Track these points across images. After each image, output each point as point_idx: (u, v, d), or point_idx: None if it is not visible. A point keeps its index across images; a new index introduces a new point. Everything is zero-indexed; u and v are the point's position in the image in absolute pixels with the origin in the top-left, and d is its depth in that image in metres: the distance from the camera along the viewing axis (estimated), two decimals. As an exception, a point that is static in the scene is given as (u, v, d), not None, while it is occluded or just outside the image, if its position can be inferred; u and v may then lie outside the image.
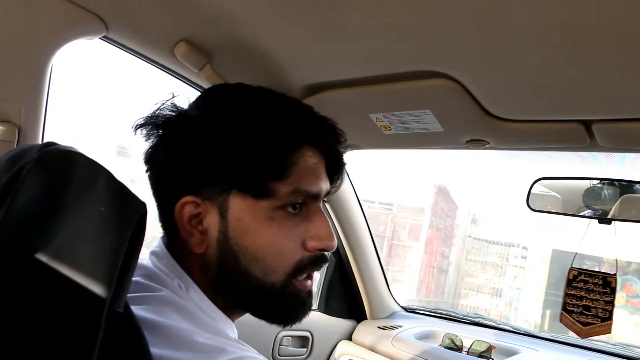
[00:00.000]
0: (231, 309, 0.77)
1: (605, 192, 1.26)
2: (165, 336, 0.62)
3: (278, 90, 0.88)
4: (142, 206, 0.59)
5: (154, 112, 0.77)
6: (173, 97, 0.79)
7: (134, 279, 0.70)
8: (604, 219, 1.18)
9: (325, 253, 0.76)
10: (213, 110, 0.75)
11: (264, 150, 0.71)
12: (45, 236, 0.48)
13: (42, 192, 0.51)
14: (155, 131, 0.76)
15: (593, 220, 1.22)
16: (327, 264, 0.81)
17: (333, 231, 0.77)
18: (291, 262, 0.73)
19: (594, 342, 1.68)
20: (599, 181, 1.28)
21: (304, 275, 0.75)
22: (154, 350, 0.60)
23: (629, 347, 1.67)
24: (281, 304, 0.75)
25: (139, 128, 0.77)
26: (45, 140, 0.97)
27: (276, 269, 0.72)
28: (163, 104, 0.78)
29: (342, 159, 0.81)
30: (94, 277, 0.50)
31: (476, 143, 1.18)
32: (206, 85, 1.15)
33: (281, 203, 0.71)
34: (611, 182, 1.29)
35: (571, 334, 1.29)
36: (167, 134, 0.76)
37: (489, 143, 1.17)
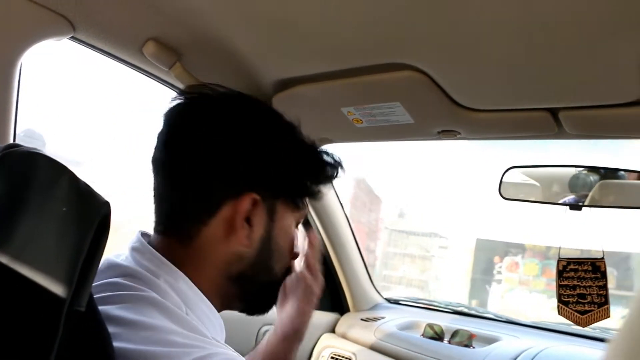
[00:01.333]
0: (232, 301, 0.83)
1: (587, 179, 1.27)
2: (143, 333, 0.63)
3: (248, 87, 0.94)
4: (105, 205, 0.59)
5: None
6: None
7: (113, 279, 0.72)
8: (575, 206, 1.20)
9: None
10: (275, 121, 0.84)
11: (315, 172, 0.86)
12: (4, 235, 0.49)
13: (3, 192, 0.51)
14: (180, 112, 0.80)
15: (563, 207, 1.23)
16: None
17: (314, 226, 0.92)
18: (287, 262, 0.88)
19: (573, 327, 1.69)
20: (583, 168, 1.29)
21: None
22: (130, 346, 0.61)
23: (607, 330, 1.70)
24: (274, 295, 0.90)
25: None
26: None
27: (285, 267, 0.87)
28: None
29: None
30: (53, 276, 0.50)
31: (447, 133, 1.19)
32: (177, 84, 1.15)
33: (301, 216, 0.87)
34: (593, 168, 1.30)
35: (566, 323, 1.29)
36: (222, 126, 0.77)
37: (459, 133, 1.18)
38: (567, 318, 1.19)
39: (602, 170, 1.29)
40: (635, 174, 1.27)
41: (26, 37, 0.92)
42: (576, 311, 1.17)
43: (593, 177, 1.28)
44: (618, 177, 1.30)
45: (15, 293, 0.47)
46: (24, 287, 0.48)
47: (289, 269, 0.89)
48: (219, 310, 0.81)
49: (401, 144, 1.25)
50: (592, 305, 1.16)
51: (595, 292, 1.16)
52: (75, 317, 0.52)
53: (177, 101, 0.80)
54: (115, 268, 0.74)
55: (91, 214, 0.57)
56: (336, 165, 0.88)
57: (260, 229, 0.79)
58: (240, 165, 0.76)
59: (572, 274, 1.19)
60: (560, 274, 1.19)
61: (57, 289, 0.49)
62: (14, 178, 0.53)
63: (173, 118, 0.79)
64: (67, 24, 0.94)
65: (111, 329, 0.63)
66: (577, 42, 0.80)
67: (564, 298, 1.18)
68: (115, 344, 0.61)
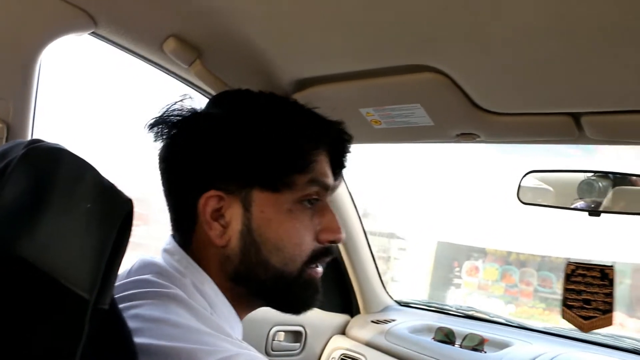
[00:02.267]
0: (247, 302, 0.81)
1: (599, 184, 1.26)
2: (168, 330, 0.65)
3: (267, 85, 0.93)
4: (128, 203, 0.59)
5: (166, 113, 0.81)
6: (182, 99, 0.83)
7: (144, 276, 0.75)
8: (594, 212, 1.19)
9: (333, 245, 0.83)
10: (235, 111, 0.81)
11: (286, 148, 0.77)
12: (29, 233, 0.48)
13: (27, 188, 0.51)
14: (168, 131, 0.81)
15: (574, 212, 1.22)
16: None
17: None
18: (307, 251, 0.79)
19: (583, 333, 1.68)
20: (592, 174, 1.29)
21: (315, 265, 0.81)
22: (154, 342, 0.62)
23: (620, 338, 1.68)
24: (299, 292, 0.80)
25: (152, 127, 0.81)
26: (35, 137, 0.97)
27: (295, 259, 0.78)
28: (173, 104, 0.82)
29: (346, 160, 0.88)
30: (78, 274, 0.50)
31: (466, 137, 1.18)
32: (195, 81, 1.15)
33: (300, 195, 0.78)
34: (604, 174, 1.29)
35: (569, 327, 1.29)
36: (185, 132, 0.80)
37: (479, 136, 1.17)
38: (570, 322, 1.19)
39: (611, 176, 1.28)
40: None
41: (47, 32, 0.92)
42: (580, 316, 1.17)
43: (604, 183, 1.27)
44: (630, 183, 1.29)
45: (41, 291, 0.47)
46: (49, 285, 0.47)
47: (314, 257, 0.80)
48: (245, 313, 0.82)
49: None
50: (597, 312, 1.15)
51: (601, 299, 1.15)
52: (99, 315, 0.52)
53: (169, 120, 0.82)
54: (148, 266, 0.77)
55: (115, 211, 0.57)
56: (321, 136, 0.82)
57: (238, 224, 0.76)
58: (199, 167, 0.78)
59: (579, 278, 1.18)
60: (567, 277, 1.18)
61: (82, 287, 0.49)
62: (38, 174, 0.53)
63: (160, 135, 0.82)
64: (89, 18, 0.94)
65: (137, 324, 0.64)
66: (601, 46, 0.79)
67: (569, 302, 1.17)
68: (140, 340, 0.62)
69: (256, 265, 0.77)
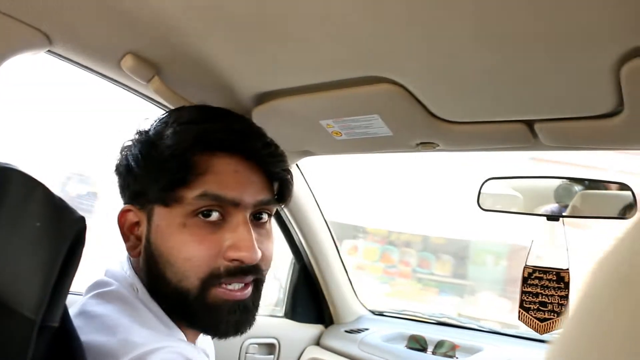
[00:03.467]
0: (178, 321, 0.78)
1: (572, 189, 1.29)
2: (107, 326, 0.68)
3: (227, 100, 0.95)
4: (80, 220, 0.59)
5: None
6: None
7: (100, 278, 0.81)
8: (552, 217, 1.21)
9: (245, 265, 0.76)
10: (144, 130, 0.86)
11: (166, 160, 0.75)
12: None
13: None
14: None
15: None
16: (255, 276, 0.80)
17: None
18: (204, 268, 0.74)
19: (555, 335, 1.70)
20: (565, 180, 1.31)
21: (224, 284, 0.76)
22: (90, 337, 0.66)
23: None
24: (206, 313, 0.76)
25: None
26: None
27: (188, 274, 0.74)
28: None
29: (277, 166, 0.83)
30: (25, 291, 0.50)
31: (426, 145, 1.20)
32: (155, 97, 1.15)
33: (192, 209, 0.75)
34: (570, 180, 1.32)
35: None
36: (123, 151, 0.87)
37: (438, 145, 1.19)
38: (526, 324, 1.21)
39: (586, 182, 1.31)
40: (616, 185, 1.29)
41: (1, 51, 0.92)
42: (536, 318, 1.19)
43: (574, 188, 1.30)
44: (598, 188, 1.32)
45: (-14, 309, 0.47)
46: (-6, 303, 0.47)
47: (215, 278, 0.75)
48: (188, 333, 0.80)
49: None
50: (552, 314, 1.17)
51: (556, 302, 1.17)
52: (49, 333, 0.52)
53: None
54: (106, 270, 0.84)
55: (65, 229, 0.57)
56: (201, 140, 0.77)
57: (143, 238, 0.80)
58: (121, 183, 0.85)
59: (536, 281, 1.20)
60: (525, 280, 1.20)
61: (27, 306, 0.49)
62: (-14, 193, 0.53)
63: None
64: (44, 37, 0.94)
65: (77, 322, 0.66)
66: (551, 55, 0.81)
67: (526, 304, 1.20)
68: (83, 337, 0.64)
69: (157, 278, 0.77)
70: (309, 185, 1.74)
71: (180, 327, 0.78)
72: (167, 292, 0.76)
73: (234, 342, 1.71)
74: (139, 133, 0.85)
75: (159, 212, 0.77)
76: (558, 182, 1.32)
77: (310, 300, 1.98)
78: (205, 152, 0.76)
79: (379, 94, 1.02)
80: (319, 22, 0.84)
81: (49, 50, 0.98)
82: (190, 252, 0.74)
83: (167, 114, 0.89)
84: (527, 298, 1.19)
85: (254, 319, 0.81)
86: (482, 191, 1.29)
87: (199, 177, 0.74)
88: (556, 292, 1.17)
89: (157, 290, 0.78)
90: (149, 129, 0.85)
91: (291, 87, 1.08)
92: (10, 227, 0.52)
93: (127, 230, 0.81)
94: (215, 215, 0.76)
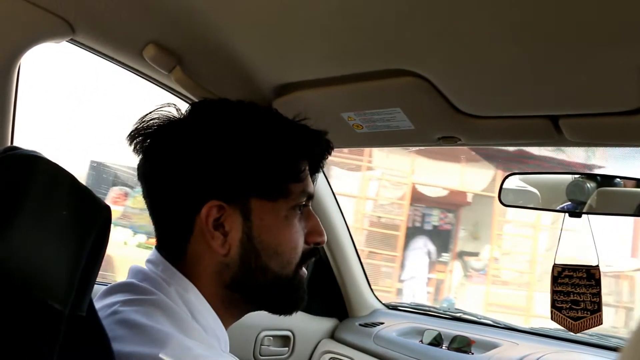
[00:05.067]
0: (239, 308, 0.84)
1: (587, 186, 1.28)
2: (152, 338, 0.67)
3: (248, 91, 0.95)
4: (106, 210, 0.59)
5: (142, 123, 0.83)
6: (158, 108, 0.84)
7: (129, 280, 0.79)
8: (575, 213, 1.20)
9: (317, 247, 0.89)
10: (226, 122, 0.82)
11: (283, 159, 0.82)
12: (2, 239, 0.48)
13: (2, 195, 0.51)
14: (144, 141, 0.82)
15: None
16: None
17: None
18: (300, 254, 0.84)
19: (572, 334, 1.69)
20: (579, 176, 1.30)
21: (304, 266, 0.87)
22: (136, 348, 0.65)
23: (606, 337, 1.70)
24: (293, 292, 0.85)
25: (131, 140, 0.83)
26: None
27: (291, 261, 0.83)
28: (149, 114, 0.83)
29: (323, 167, 0.94)
30: (54, 280, 0.50)
31: (448, 140, 1.19)
32: (176, 87, 1.15)
33: (294, 203, 0.82)
34: (588, 176, 1.31)
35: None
36: (169, 143, 0.81)
37: (460, 140, 1.18)
38: (559, 324, 1.20)
39: (598, 178, 1.30)
40: (633, 182, 1.28)
41: (24, 39, 0.92)
42: (569, 317, 1.18)
43: (591, 185, 1.28)
44: (615, 185, 1.31)
45: (15, 298, 0.47)
46: (23, 292, 0.47)
47: (305, 259, 0.85)
48: (233, 320, 0.84)
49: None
50: (585, 312, 1.16)
51: (588, 299, 1.16)
52: (76, 322, 0.52)
53: (146, 127, 0.83)
54: (136, 273, 0.81)
55: (92, 218, 0.57)
56: (312, 148, 0.87)
57: (238, 233, 0.79)
58: (196, 178, 0.79)
59: (566, 280, 1.19)
60: (554, 279, 1.19)
61: (55, 297, 0.49)
62: (13, 181, 0.53)
63: (143, 146, 0.83)
64: (67, 26, 0.94)
65: (123, 331, 0.67)
66: (577, 50, 0.80)
67: (558, 304, 1.19)
68: (119, 346, 0.63)
69: (255, 270, 0.80)
70: (327, 178, 1.74)
71: (229, 315, 0.83)
72: (264, 282, 0.81)
73: (249, 333, 1.72)
74: (209, 128, 0.81)
75: (261, 205, 0.80)
76: (578, 178, 1.30)
77: (326, 293, 1.98)
78: (302, 154, 0.85)
79: (401, 87, 1.01)
80: (341, 13, 0.83)
81: (71, 39, 0.98)
82: (295, 242, 0.83)
83: (226, 108, 0.86)
84: (559, 297, 1.18)
85: None
86: (503, 187, 1.28)
87: (301, 174, 0.83)
88: (587, 290, 1.15)
89: (246, 282, 0.80)
90: (230, 125, 0.82)
91: (312, 79, 1.08)
92: (37, 216, 0.52)
93: (212, 226, 0.78)
94: (304, 208, 0.86)
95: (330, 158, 0.94)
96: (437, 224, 8.10)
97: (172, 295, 0.76)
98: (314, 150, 0.88)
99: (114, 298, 0.75)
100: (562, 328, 1.23)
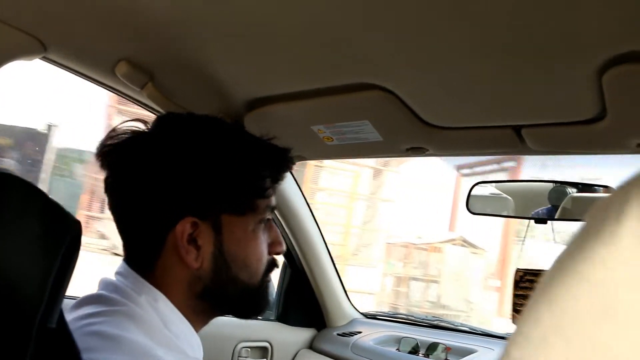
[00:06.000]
0: (207, 314, 0.87)
1: (566, 192, 1.31)
2: (125, 348, 0.68)
3: (220, 106, 0.97)
4: (76, 224, 0.61)
5: (111, 139, 0.82)
6: (125, 122, 0.84)
7: (100, 292, 0.80)
8: (540, 220, 1.23)
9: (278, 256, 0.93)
10: (192, 138, 0.83)
11: (251, 176, 0.85)
12: None
13: None
14: (112, 156, 0.82)
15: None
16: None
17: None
18: (265, 264, 0.88)
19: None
20: (555, 184, 1.33)
21: (270, 274, 0.91)
22: (108, 356, 0.67)
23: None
24: (260, 299, 0.89)
25: (99, 154, 0.83)
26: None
27: (257, 272, 0.87)
28: (117, 128, 0.83)
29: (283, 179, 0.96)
30: (23, 293, 0.51)
31: (416, 150, 1.22)
32: (149, 103, 1.16)
33: (260, 217, 0.86)
34: (558, 184, 1.34)
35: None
36: (137, 159, 0.81)
37: (428, 150, 1.21)
38: None
39: (579, 186, 1.33)
40: (605, 189, 1.31)
41: (-3, 58, 0.93)
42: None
43: (564, 191, 1.32)
44: (588, 191, 1.35)
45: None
46: (-7, 305, 0.49)
47: (269, 268, 0.90)
48: (202, 325, 0.86)
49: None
50: None
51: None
52: (46, 334, 0.53)
53: (112, 141, 0.82)
54: (106, 285, 0.82)
55: (62, 233, 0.58)
56: (278, 165, 0.90)
57: (210, 247, 0.81)
58: (169, 195, 0.80)
59: (527, 284, 1.22)
60: (516, 284, 1.22)
61: (27, 306, 0.50)
62: (-15, 198, 0.54)
63: (109, 161, 0.83)
64: (38, 44, 0.95)
65: (96, 342, 0.68)
66: (537, 63, 0.83)
67: (518, 307, 1.22)
68: (90, 355, 0.64)
69: (226, 282, 0.83)
70: (301, 189, 1.76)
71: (199, 321, 0.85)
72: (234, 292, 0.85)
73: (227, 345, 1.72)
74: (177, 145, 0.82)
75: (231, 220, 0.83)
76: (549, 186, 1.34)
77: (303, 303, 1.99)
78: (269, 170, 0.88)
79: (369, 100, 1.04)
80: (310, 29, 0.85)
81: (43, 57, 0.99)
82: (261, 254, 0.87)
83: (192, 123, 0.87)
84: (520, 301, 1.21)
85: None
86: (471, 194, 1.31)
87: (268, 190, 0.87)
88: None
89: (217, 293, 0.83)
90: (198, 142, 0.82)
91: (283, 93, 1.10)
92: (8, 230, 0.54)
93: (186, 241, 0.79)
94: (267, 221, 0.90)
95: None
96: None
97: (143, 305, 0.77)
98: (282, 167, 0.91)
99: (84, 310, 0.76)
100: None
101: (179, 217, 0.79)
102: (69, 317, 0.72)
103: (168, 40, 0.96)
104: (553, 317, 0.24)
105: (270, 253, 0.90)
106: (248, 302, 0.89)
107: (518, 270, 1.22)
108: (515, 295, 1.22)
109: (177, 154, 0.81)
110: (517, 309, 1.21)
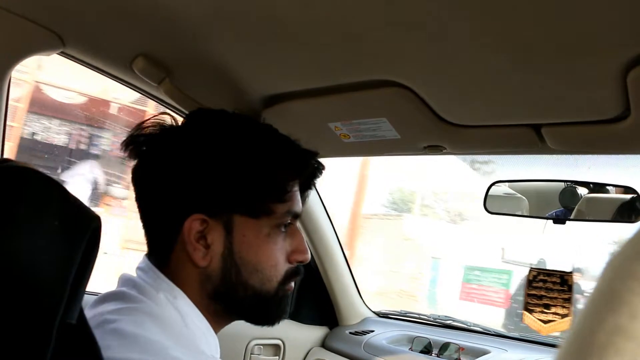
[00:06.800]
0: (224, 317, 0.85)
1: (577, 193, 1.30)
2: (142, 346, 0.68)
3: (237, 102, 0.95)
4: (96, 219, 0.60)
5: (137, 131, 0.83)
6: (154, 116, 0.85)
7: (120, 289, 0.80)
8: (559, 220, 1.22)
9: (301, 265, 0.89)
10: (217, 135, 0.83)
11: (269, 179, 0.82)
12: None
13: None
14: (139, 149, 0.83)
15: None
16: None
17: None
18: (282, 272, 0.84)
19: (560, 339, 1.70)
20: (568, 184, 1.32)
21: (290, 283, 0.87)
22: (126, 355, 0.66)
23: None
24: (274, 308, 0.86)
25: (126, 147, 0.83)
26: (4, 156, 0.98)
27: (271, 279, 0.83)
28: (145, 122, 0.84)
29: (315, 186, 0.95)
30: (45, 289, 0.51)
31: (433, 149, 1.20)
32: (166, 99, 1.16)
33: (277, 222, 0.83)
34: (579, 183, 1.32)
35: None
36: (161, 153, 0.82)
37: (445, 148, 1.19)
38: (530, 325, 1.22)
39: (591, 185, 1.32)
40: (621, 189, 1.29)
41: (15, 52, 0.93)
42: (540, 320, 1.20)
43: (583, 192, 1.30)
44: (603, 192, 1.33)
45: (7, 306, 0.48)
46: (15, 301, 0.48)
47: (288, 277, 0.85)
48: (218, 328, 0.85)
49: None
50: (555, 316, 1.18)
51: (560, 304, 1.18)
52: (67, 330, 0.53)
53: (146, 132, 0.83)
54: (126, 281, 0.82)
55: (82, 228, 0.58)
56: (300, 169, 0.87)
57: (220, 246, 0.80)
58: (181, 190, 0.80)
59: (540, 284, 1.21)
60: (529, 283, 1.21)
61: (48, 302, 0.50)
62: (5, 193, 0.54)
63: (140, 151, 0.84)
64: (57, 39, 0.95)
65: (115, 340, 0.68)
66: (558, 60, 0.82)
67: (530, 306, 1.20)
68: (109, 353, 0.64)
69: (236, 285, 0.81)
70: (316, 187, 1.75)
71: (215, 323, 0.83)
72: (244, 296, 0.82)
73: (240, 342, 1.72)
74: (198, 139, 0.82)
75: (243, 222, 0.81)
76: (563, 185, 1.32)
77: (315, 301, 1.98)
78: (291, 174, 0.85)
79: (387, 97, 1.03)
80: (328, 25, 0.85)
81: (62, 52, 0.99)
82: (276, 260, 0.83)
83: (221, 120, 0.86)
84: (531, 300, 1.20)
85: None
86: (488, 194, 1.30)
87: (287, 194, 0.83)
88: (560, 295, 1.18)
89: (227, 295, 0.81)
90: (222, 139, 0.82)
91: (300, 90, 1.09)
92: (29, 225, 0.53)
93: (194, 238, 0.79)
94: (288, 226, 0.86)
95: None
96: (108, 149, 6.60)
97: (162, 302, 0.77)
98: (303, 171, 0.88)
99: (104, 307, 0.76)
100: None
101: (187, 212, 0.79)
102: (89, 314, 0.72)
103: (186, 36, 0.96)
104: None
105: (290, 261, 0.86)
106: (260, 309, 0.85)
107: (532, 270, 1.21)
108: (528, 295, 1.20)
109: (197, 148, 0.81)
110: (529, 308, 1.20)
